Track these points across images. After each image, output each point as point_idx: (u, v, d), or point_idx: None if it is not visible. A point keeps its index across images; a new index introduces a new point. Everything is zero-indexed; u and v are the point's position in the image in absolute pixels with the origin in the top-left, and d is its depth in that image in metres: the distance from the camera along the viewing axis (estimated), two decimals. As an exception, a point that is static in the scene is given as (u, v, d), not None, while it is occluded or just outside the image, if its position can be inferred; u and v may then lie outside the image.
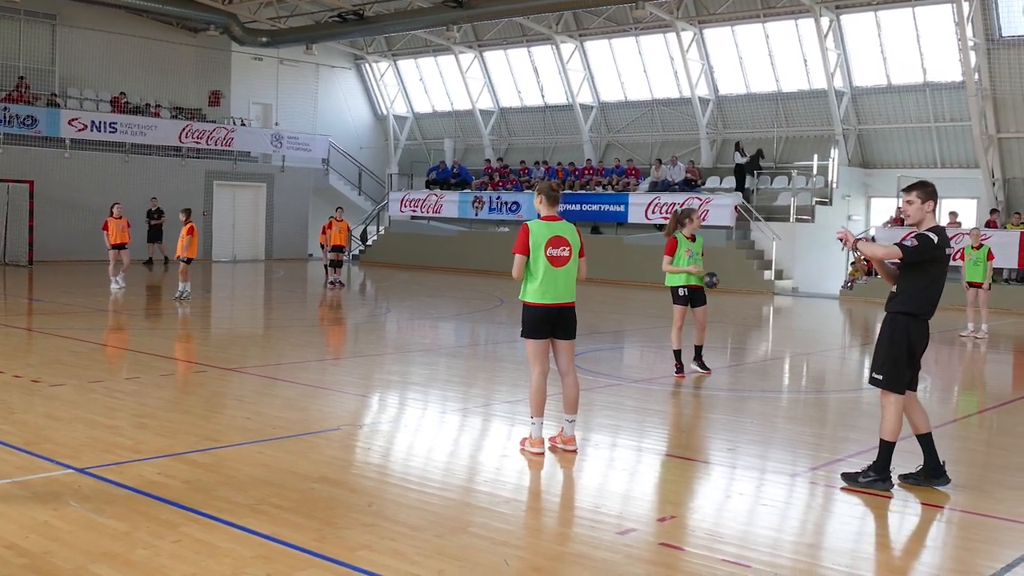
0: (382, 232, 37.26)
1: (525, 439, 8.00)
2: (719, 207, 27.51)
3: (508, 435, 8.76)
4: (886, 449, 7.01)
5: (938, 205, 7.15)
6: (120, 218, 21.57)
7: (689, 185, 29.39)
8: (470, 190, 34.12)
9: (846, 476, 7.19)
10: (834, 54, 28.15)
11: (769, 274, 26.81)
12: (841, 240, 7.17)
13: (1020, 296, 23.41)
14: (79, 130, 30.70)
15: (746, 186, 28.60)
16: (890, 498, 6.89)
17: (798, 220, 27.44)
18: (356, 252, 36.08)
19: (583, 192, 31.11)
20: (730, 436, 8.93)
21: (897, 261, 6.91)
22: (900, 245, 6.83)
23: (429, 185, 35.60)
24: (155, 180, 31.77)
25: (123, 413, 8.76)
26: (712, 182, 30.18)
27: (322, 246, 25.52)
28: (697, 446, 8.68)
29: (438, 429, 9.02)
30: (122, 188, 29.56)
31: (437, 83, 38.74)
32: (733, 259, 26.88)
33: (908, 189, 7.01)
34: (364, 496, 6.50)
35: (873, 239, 6.55)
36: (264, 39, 33.64)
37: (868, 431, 9.16)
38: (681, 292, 11.90)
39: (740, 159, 28.54)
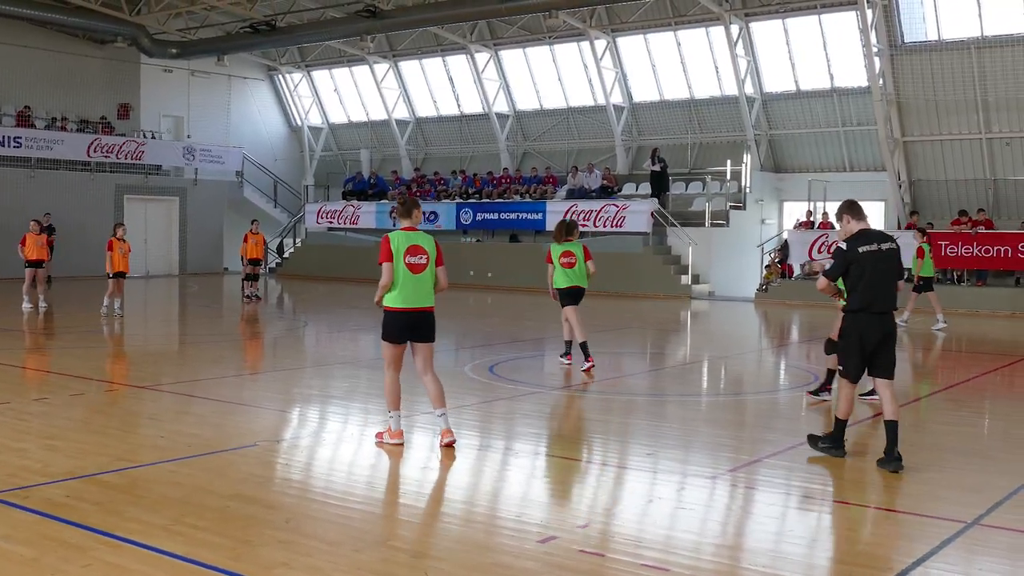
0: (299, 244, 36.86)
1: (383, 432, 8.43)
2: (635, 213, 27.77)
3: (431, 447, 8.69)
4: (839, 426, 8.03)
5: (856, 211, 8.04)
6: (40, 234, 20.85)
7: (605, 192, 29.63)
8: (387, 200, 33.93)
9: (810, 437, 8.26)
10: (744, 61, 28.65)
11: (686, 279, 27.14)
12: (809, 273, 8.05)
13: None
14: (-17, 146, 29.82)
15: (666, 191, 28.88)
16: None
17: (713, 225, 27.83)
18: (273, 265, 35.63)
19: (501, 201, 31.15)
20: (650, 441, 8.99)
21: (828, 286, 8.09)
22: (824, 273, 8.04)
23: (346, 196, 35.32)
24: (63, 195, 31.00)
25: (31, 435, 8.50)
26: (628, 188, 30.46)
27: (242, 259, 25.18)
28: (617, 451, 8.71)
29: (359, 443, 8.91)
30: (29, 204, 28.77)
31: (352, 93, 38.50)
32: (650, 264, 27.18)
33: (837, 216, 8.22)
34: (282, 512, 6.38)
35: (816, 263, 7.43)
36: (174, 50, 33.05)
37: (785, 432, 9.31)
38: (563, 293, 13.35)
39: (653, 166, 28.83)
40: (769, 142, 29.86)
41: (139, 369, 13.39)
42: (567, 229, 13.64)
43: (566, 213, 28.90)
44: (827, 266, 8.01)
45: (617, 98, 31.52)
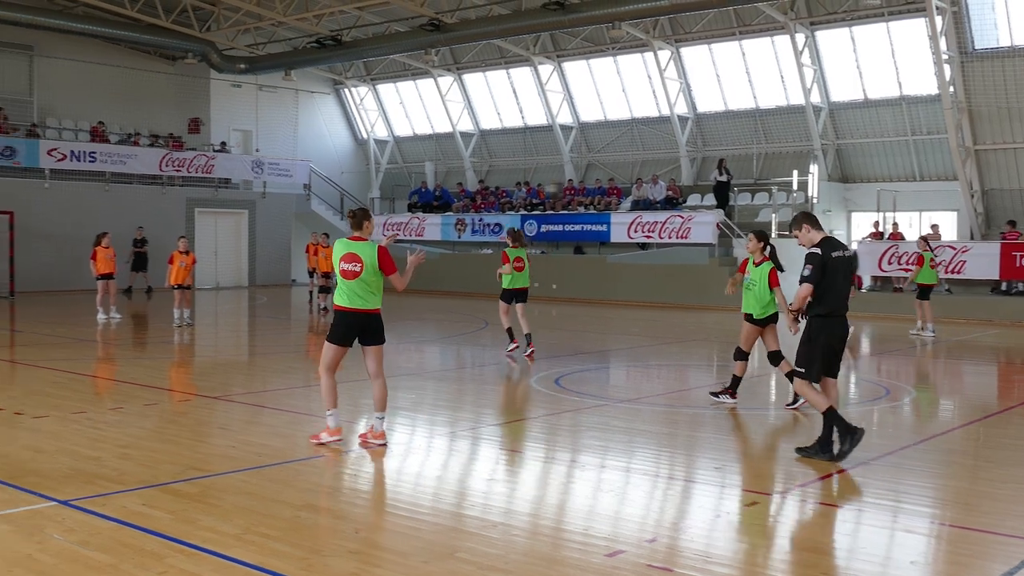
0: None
1: (320, 433, 8.83)
2: (701, 224, 27.58)
3: (496, 459, 8.72)
4: (831, 417, 8.21)
5: (815, 221, 8.51)
6: (108, 248, 21.36)
7: (670, 203, 29.49)
8: (452, 212, 34.13)
9: (799, 449, 8.46)
10: (810, 70, 28.34)
11: (752, 290, 26.80)
12: (795, 331, 8.55)
13: (1005, 307, 23.55)
14: (58, 160, 30.61)
15: (728, 203, 28.69)
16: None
17: (780, 236, 27.49)
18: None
19: (565, 212, 31.16)
20: (716, 454, 8.91)
21: (810, 294, 8.21)
22: (802, 279, 8.18)
23: (411, 208, 35.58)
24: (136, 209, 31.66)
25: (107, 444, 8.68)
26: (693, 199, 30.28)
27: (311, 272, 25.36)
28: (684, 464, 8.65)
29: (426, 454, 8.97)
30: (103, 218, 29.43)
31: (417, 106, 38.81)
32: (716, 276, 26.91)
33: (790, 229, 8.69)
34: (351, 523, 6.44)
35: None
36: (242, 66, 33.65)
37: (862, 447, 9.17)
38: (509, 294, 15.73)
39: (720, 177, 28.65)
40: (836, 152, 29.49)
41: (210, 380, 13.61)
42: (518, 236, 16.05)
43: (631, 225, 28.85)
44: (803, 272, 8.16)
45: (681, 108, 31.38)
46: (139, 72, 34.71)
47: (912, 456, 8.83)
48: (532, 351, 15.42)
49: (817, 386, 8.41)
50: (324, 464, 8.22)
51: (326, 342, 8.88)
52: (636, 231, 28.72)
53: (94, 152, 31.52)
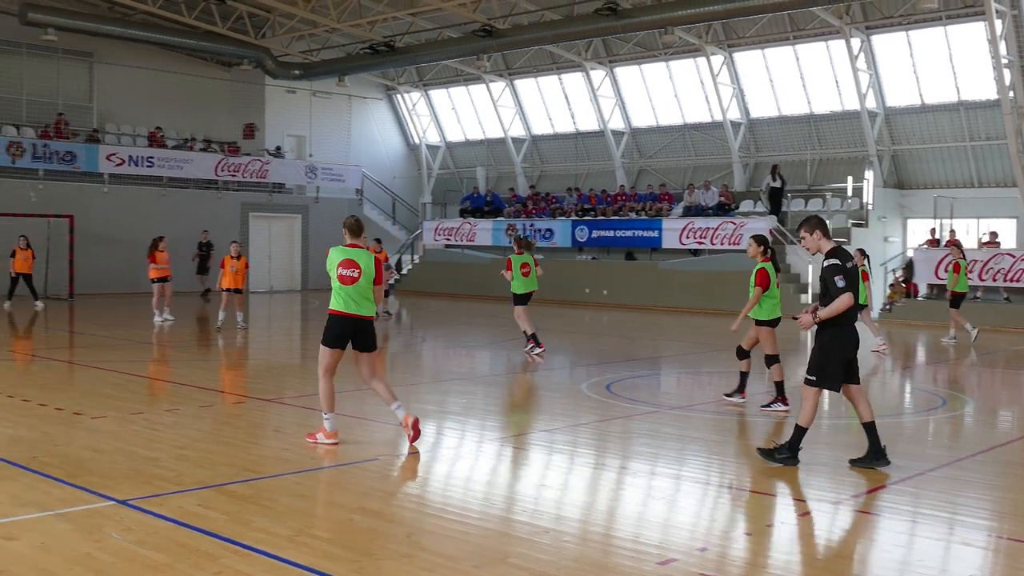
0: (416, 261, 37.38)
1: (316, 433, 9.00)
2: (753, 231, 27.32)
3: (547, 464, 8.73)
4: (799, 433, 8.32)
5: (827, 228, 8.53)
6: (164, 251, 21.74)
7: (723, 209, 29.31)
8: (503, 218, 34.19)
9: (761, 451, 8.52)
10: (866, 75, 28.02)
11: (806, 298, 26.57)
12: (804, 326, 8.30)
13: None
14: (117, 165, 31.15)
15: (782, 209, 28.45)
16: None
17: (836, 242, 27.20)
18: (391, 281, 36.21)
19: (616, 218, 31.09)
20: (770, 463, 8.83)
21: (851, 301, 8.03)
22: (841, 290, 8.04)
23: (463, 213, 35.72)
24: (192, 213, 32.11)
25: (163, 445, 8.81)
26: (746, 206, 30.07)
27: None
28: (735, 472, 8.59)
29: (475, 458, 9.00)
30: (160, 222, 29.88)
31: (469, 112, 38.96)
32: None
33: (798, 228, 8.61)
34: (402, 526, 6.49)
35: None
36: (297, 72, 34.03)
37: (911, 457, 9.05)
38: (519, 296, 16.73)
39: (773, 183, 28.42)
40: (892, 158, 29.13)
41: (263, 382, 13.77)
42: (524, 244, 17.12)
43: (682, 231, 28.72)
44: (839, 283, 8.06)
45: (734, 114, 31.19)
46: (196, 78, 35.23)
47: (969, 468, 8.70)
48: (532, 347, 16.49)
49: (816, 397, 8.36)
50: (376, 468, 8.28)
51: (322, 346, 9.00)
52: (688, 237, 28.58)
53: (152, 157, 32.05)
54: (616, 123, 34.22)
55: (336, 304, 8.96)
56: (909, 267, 26.02)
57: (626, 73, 33.51)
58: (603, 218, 31.43)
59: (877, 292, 26.48)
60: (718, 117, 31.35)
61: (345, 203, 37.12)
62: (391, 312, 24.35)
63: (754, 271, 11.44)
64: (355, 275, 8.94)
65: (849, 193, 28.23)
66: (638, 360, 16.66)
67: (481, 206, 35.42)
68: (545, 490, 7.75)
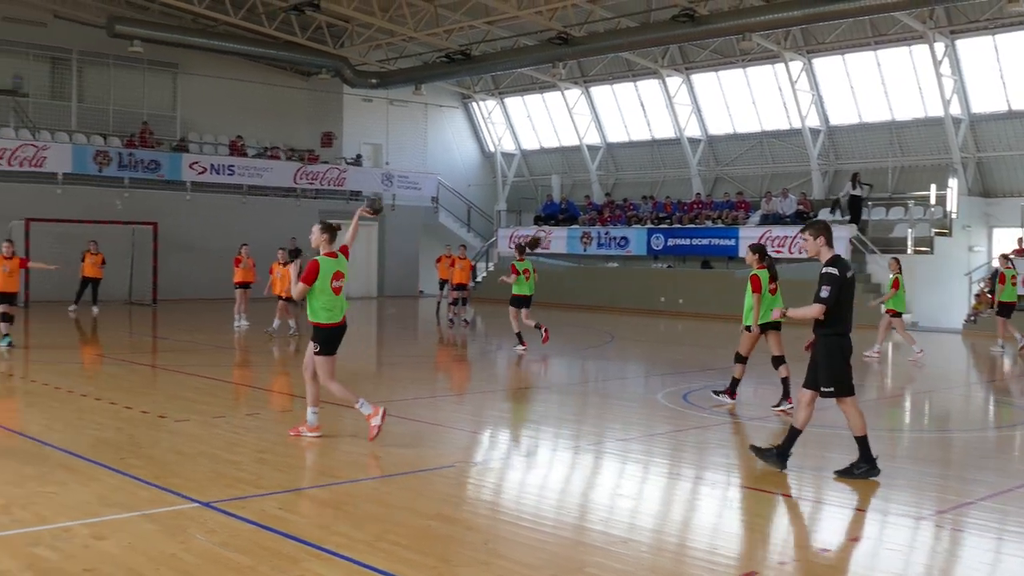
0: (491, 268, 37.53)
1: (300, 427, 9.49)
2: (833, 240, 26.89)
3: (621, 473, 8.71)
4: (863, 443, 8.25)
5: (832, 237, 8.59)
6: (248, 258, 22.05)
7: (801, 217, 28.90)
8: (578, 226, 34.16)
9: (840, 472, 8.31)
10: (950, 80, 27.44)
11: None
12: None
13: None
14: (199, 173, 31.82)
15: (862, 218, 27.98)
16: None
17: (916, 252, 26.72)
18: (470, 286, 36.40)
19: (692, 226, 30.86)
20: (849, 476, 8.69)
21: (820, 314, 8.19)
22: (819, 300, 8.15)
23: (537, 221, 35.76)
24: (271, 221, 32.66)
25: (244, 448, 8.98)
26: (824, 214, 29.59)
27: (442, 283, 25.30)
28: (813, 485, 8.47)
29: (550, 467, 9.01)
30: (240, 229, 30.45)
31: (544, 119, 39.01)
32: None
33: (803, 229, 8.69)
34: (479, 533, 6.52)
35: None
36: (374, 81, 34.43)
37: (998, 472, 8.84)
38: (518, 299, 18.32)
39: (853, 190, 27.95)
40: (977, 165, 28.47)
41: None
42: (529, 247, 19.06)
43: (760, 239, 28.41)
44: (823, 293, 8.16)
45: (813, 121, 30.76)
46: (276, 88, 35.84)
47: (1058, 484, 8.46)
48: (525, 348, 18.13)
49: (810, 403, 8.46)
50: (452, 474, 8.33)
51: (324, 356, 9.38)
52: (765, 246, 28.20)
53: (233, 165, 32.67)
54: (692, 130, 33.98)
55: (329, 316, 9.33)
56: (995, 277, 25.38)
57: (703, 80, 33.27)
58: (679, 226, 31.22)
59: (963, 303, 25.94)
60: (796, 124, 30.96)
61: (421, 211, 37.44)
62: (467, 320, 24.34)
63: (748, 277, 12.11)
64: (343, 284, 9.47)
65: (932, 201, 27.63)
66: (715, 370, 16.49)
67: (555, 214, 35.43)
68: (619, 499, 7.73)
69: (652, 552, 6.30)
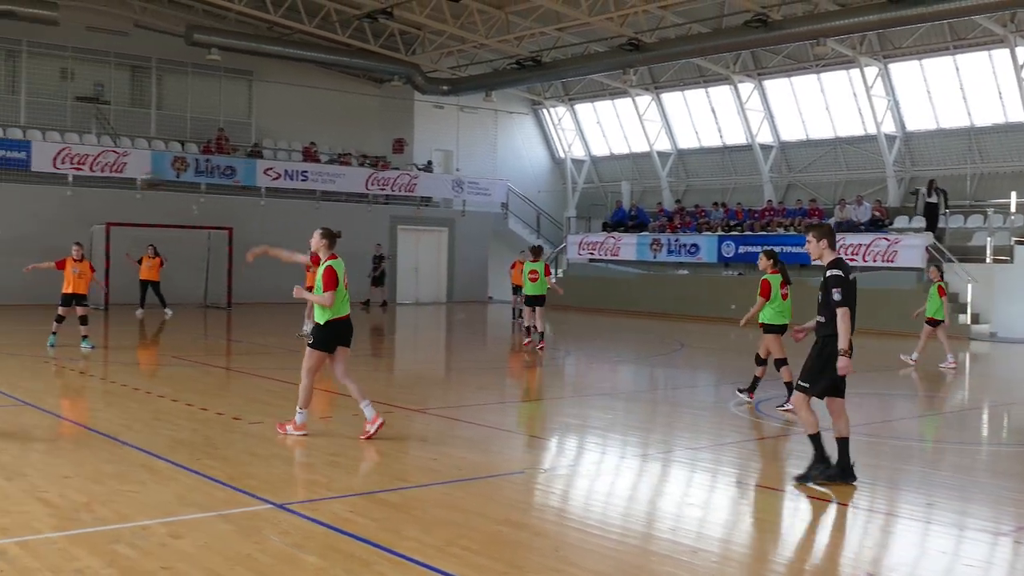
0: (560, 275, 37.53)
1: (287, 424, 9.76)
2: (908, 248, 26.47)
3: (689, 481, 8.66)
4: (816, 439, 8.19)
5: (834, 239, 8.58)
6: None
7: (876, 225, 28.44)
8: (648, 232, 34.01)
9: (800, 477, 8.17)
10: (1032, 86, 26.82)
11: (964, 318, 25.56)
12: (845, 370, 8.11)
13: None
14: (273, 179, 32.34)
15: (939, 226, 27.44)
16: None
17: (996, 261, 26.10)
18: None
19: (763, 233, 30.53)
20: (924, 489, 8.55)
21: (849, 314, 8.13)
22: (839, 304, 8.13)
23: (607, 228, 35.69)
24: (343, 226, 32.74)
25: (317, 451, 9.11)
26: (900, 222, 29.10)
27: (516, 288, 25.17)
28: (886, 498, 8.33)
29: (617, 474, 8.99)
30: (312, 234, 30.80)
31: (614, 126, 38.95)
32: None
33: (806, 230, 8.64)
34: (549, 540, 6.54)
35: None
36: (445, 88, 34.71)
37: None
38: (528, 298, 19.55)
39: (929, 198, 27.42)
40: (1060, 172, 27.78)
41: (410, 393, 14.05)
42: (535, 252, 19.92)
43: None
44: (836, 296, 8.10)
45: (889, 127, 30.27)
46: (348, 94, 36.30)
47: None
48: (543, 346, 18.96)
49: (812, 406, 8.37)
50: (521, 480, 8.36)
51: (315, 350, 9.71)
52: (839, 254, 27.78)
53: (306, 171, 33.15)
54: (764, 136, 33.66)
55: (339, 311, 9.73)
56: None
57: (775, 85, 32.94)
58: (750, 233, 30.93)
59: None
60: (872, 130, 30.50)
61: (491, 217, 37.60)
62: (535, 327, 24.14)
63: (759, 281, 12.59)
64: (347, 281, 9.94)
65: (1013, 209, 27.00)
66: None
67: (624, 220, 35.32)
68: (688, 508, 7.69)
69: (720, 562, 6.26)
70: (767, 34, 25.88)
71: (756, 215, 31.81)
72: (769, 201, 32.63)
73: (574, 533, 6.78)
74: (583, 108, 39.79)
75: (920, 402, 14.80)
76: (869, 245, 27.11)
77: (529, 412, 12.70)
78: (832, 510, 7.81)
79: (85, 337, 17.23)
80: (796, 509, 7.84)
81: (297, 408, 9.74)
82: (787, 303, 12.50)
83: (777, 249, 29.07)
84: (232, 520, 6.74)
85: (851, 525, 7.48)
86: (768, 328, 12.51)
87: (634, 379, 16.92)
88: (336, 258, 9.87)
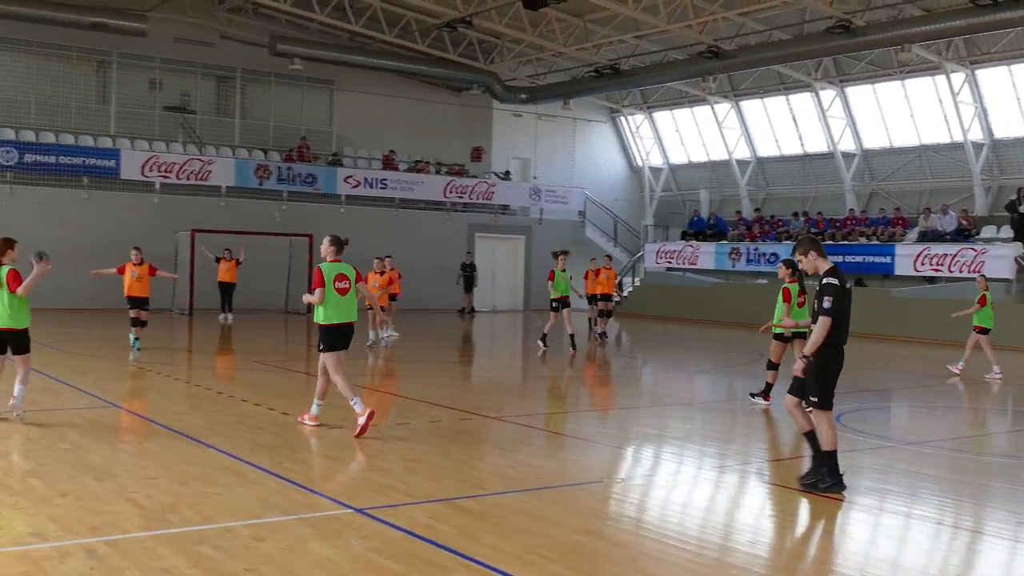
0: (638, 283, 37.37)
1: (304, 415, 10.61)
2: (997, 258, 25.82)
3: (766, 494, 8.57)
4: (831, 457, 8.21)
5: (822, 248, 8.61)
6: (391, 269, 22.51)
7: (962, 235, 27.81)
8: (727, 241, 33.71)
9: (807, 484, 8.29)
10: None
11: (1053, 330, 24.83)
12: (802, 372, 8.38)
13: None
14: (353, 187, 32.76)
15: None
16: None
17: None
18: (615, 301, 36.34)
19: (845, 243, 30.04)
20: (1012, 506, 8.35)
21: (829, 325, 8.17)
22: (824, 312, 8.15)
23: (685, 236, 35.46)
24: (421, 233, 33.35)
25: (395, 457, 9.21)
26: (988, 231, 28.41)
27: (590, 298, 24.39)
28: (972, 514, 8.16)
29: (694, 485, 8.94)
30: (391, 241, 31.23)
31: (693, 134, 38.68)
32: (1015, 314, 25.06)
33: (794, 251, 8.83)
34: (626, 550, 6.53)
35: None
36: (523, 96, 34.84)
37: None
38: (554, 304, 20.54)
39: (1021, 207, 26.70)
40: None
41: (487, 400, 14.13)
42: (564, 260, 20.65)
43: (917, 257, 27.49)
44: (826, 304, 8.16)
45: (976, 134, 29.57)
46: (427, 103, 36.61)
47: None
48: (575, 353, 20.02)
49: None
50: (599, 490, 8.36)
51: (328, 353, 10.29)
52: (923, 264, 27.28)
53: (385, 179, 33.52)
54: (846, 144, 33.12)
55: (331, 317, 10.29)
56: None
57: (858, 92, 32.40)
58: (831, 243, 30.43)
59: None
60: (958, 137, 29.82)
61: (568, 225, 37.59)
62: (603, 333, 24.02)
63: (780, 290, 13.11)
64: (347, 286, 10.41)
65: (1107, 218, 26.19)
66: (867, 391, 16.04)
67: (703, 229, 35.05)
68: (764, 520, 7.62)
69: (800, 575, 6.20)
70: (850, 40, 25.48)
71: (838, 224, 31.33)
72: (851, 210, 32.10)
73: (651, 544, 6.76)
74: (661, 116, 39.59)
75: (1011, 417, 14.42)
76: (955, 255, 26.53)
77: (605, 421, 12.68)
78: (915, 526, 7.66)
79: (136, 339, 17.60)
80: (877, 524, 7.71)
81: (316, 400, 10.56)
82: (802, 311, 12.98)
83: (859, 259, 29.03)
84: (313, 524, 6.86)
85: (938, 541, 7.33)
86: (779, 336, 13.16)
87: (712, 389, 16.78)
88: (338, 262, 10.48)
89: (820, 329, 8.18)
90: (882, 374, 19.15)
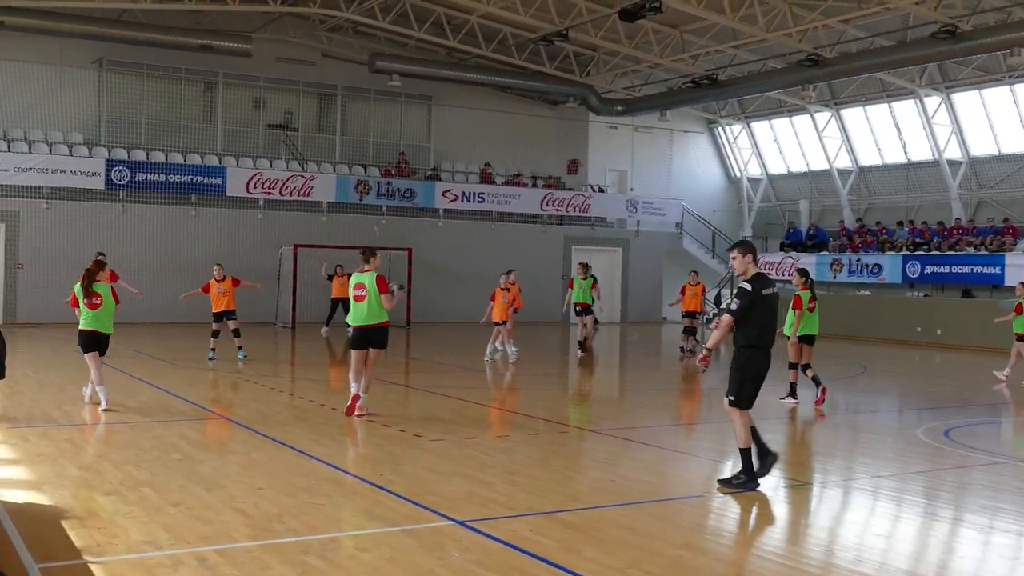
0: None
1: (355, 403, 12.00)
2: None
3: (872, 509, 8.41)
4: (745, 455, 8.62)
5: (755, 254, 8.84)
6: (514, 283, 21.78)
7: (1075, 244, 26.86)
8: (828, 252, 33.10)
9: (722, 481, 8.70)
10: None
11: None
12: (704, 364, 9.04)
13: None
14: (451, 201, 33.10)
15: None
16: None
17: None
18: (710, 315, 35.93)
19: (952, 253, 29.25)
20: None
21: (730, 325, 8.63)
22: (729, 312, 8.65)
23: (783, 248, 34.93)
24: (518, 247, 33.48)
25: (496, 469, 9.29)
26: (1104, 240, 27.38)
27: (685, 313, 23.04)
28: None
29: (795, 500, 8.81)
30: (488, 255, 31.44)
31: (792, 143, 38.11)
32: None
33: (730, 249, 9.10)
34: (730, 566, 6.49)
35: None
36: (619, 108, 34.80)
37: None
38: (577, 309, 22.19)
39: None
40: None
41: (584, 412, 14.14)
42: (583, 270, 22.07)
43: None
44: (732, 305, 8.57)
45: (1091, 140, 28.54)
46: (524, 116, 36.81)
47: None
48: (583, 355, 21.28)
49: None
50: (700, 504, 8.32)
51: (351, 351, 12.07)
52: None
53: (482, 193, 33.79)
54: (952, 152, 32.27)
55: (350, 320, 12.10)
56: None
57: (964, 99, 31.55)
58: (937, 253, 29.70)
59: None
60: (1072, 143, 28.82)
61: (665, 237, 37.38)
62: (684, 348, 23.16)
63: (792, 297, 13.99)
64: (363, 293, 11.64)
65: None
66: (978, 406, 15.60)
67: (802, 240, 34.49)
68: (869, 537, 7.48)
69: (909, 596, 6.07)
70: (956, 45, 24.84)
71: (944, 234, 30.52)
72: (958, 219, 31.26)
73: (754, 560, 6.71)
74: (759, 125, 39.12)
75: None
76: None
77: (703, 434, 12.57)
78: (1029, 546, 7.45)
79: (240, 348, 18.42)
80: (988, 543, 7.50)
81: (354, 385, 12.05)
82: (813, 316, 14.39)
83: (967, 270, 28.23)
84: (415, 535, 6.96)
85: (1050, 562, 7.11)
86: (789, 338, 14.23)
87: (814, 402, 16.47)
88: (366, 272, 11.77)
89: (722, 328, 8.75)
90: (993, 388, 18.58)
